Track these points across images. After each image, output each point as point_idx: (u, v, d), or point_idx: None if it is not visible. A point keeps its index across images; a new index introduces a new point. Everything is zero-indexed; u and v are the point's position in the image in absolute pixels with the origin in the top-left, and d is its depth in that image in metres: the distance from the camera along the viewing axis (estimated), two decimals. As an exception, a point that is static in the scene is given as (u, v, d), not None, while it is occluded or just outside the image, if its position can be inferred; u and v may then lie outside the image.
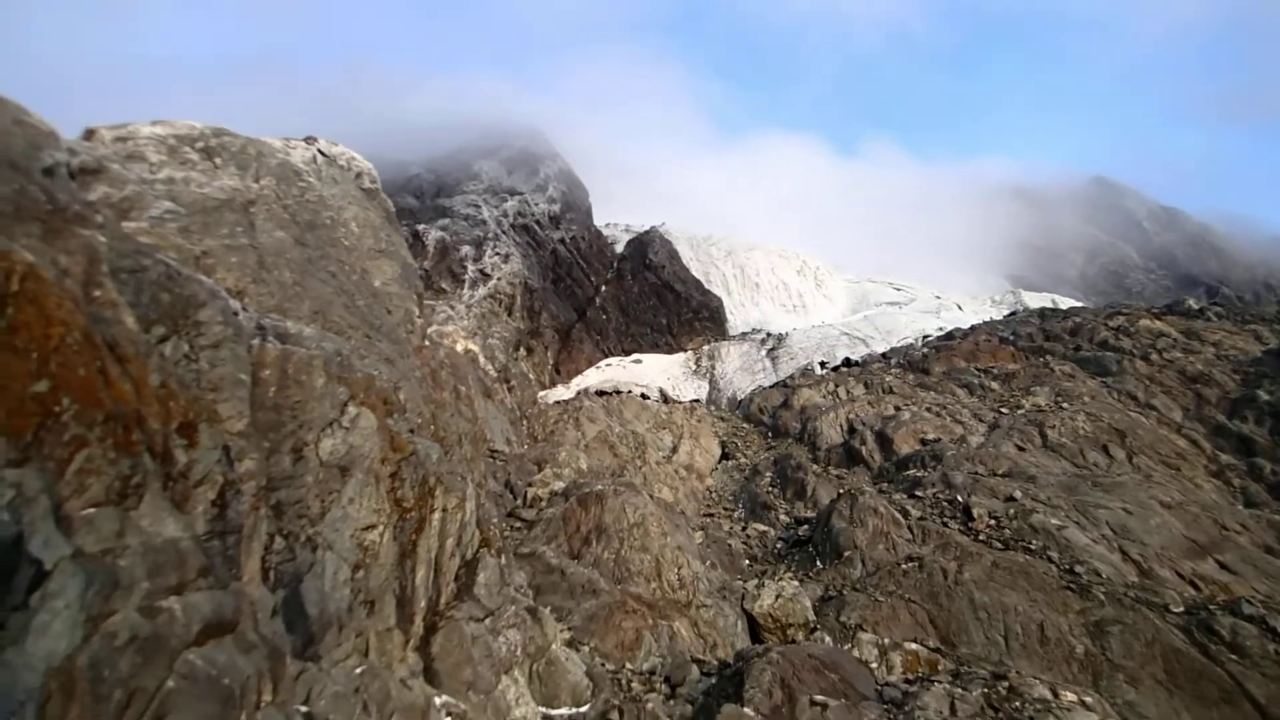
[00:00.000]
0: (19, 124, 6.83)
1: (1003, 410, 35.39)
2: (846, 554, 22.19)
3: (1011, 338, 46.34)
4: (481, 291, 57.38)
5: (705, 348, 66.45)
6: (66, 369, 5.48)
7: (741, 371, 59.35)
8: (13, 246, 5.48)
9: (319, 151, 15.29)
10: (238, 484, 7.25)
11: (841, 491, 26.82)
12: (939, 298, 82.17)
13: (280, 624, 7.51)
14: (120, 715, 5.04)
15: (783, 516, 29.35)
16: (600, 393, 48.79)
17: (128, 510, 5.74)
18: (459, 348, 37.18)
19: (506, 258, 62.18)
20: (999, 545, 21.62)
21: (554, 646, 12.66)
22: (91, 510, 5.43)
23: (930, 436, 33.42)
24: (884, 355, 53.43)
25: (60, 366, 5.44)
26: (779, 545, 25.66)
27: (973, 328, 54.57)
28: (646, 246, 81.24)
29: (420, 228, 60.62)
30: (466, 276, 58.56)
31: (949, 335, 53.85)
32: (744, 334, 72.97)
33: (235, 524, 7.06)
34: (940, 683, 14.38)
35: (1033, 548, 21.35)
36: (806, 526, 26.17)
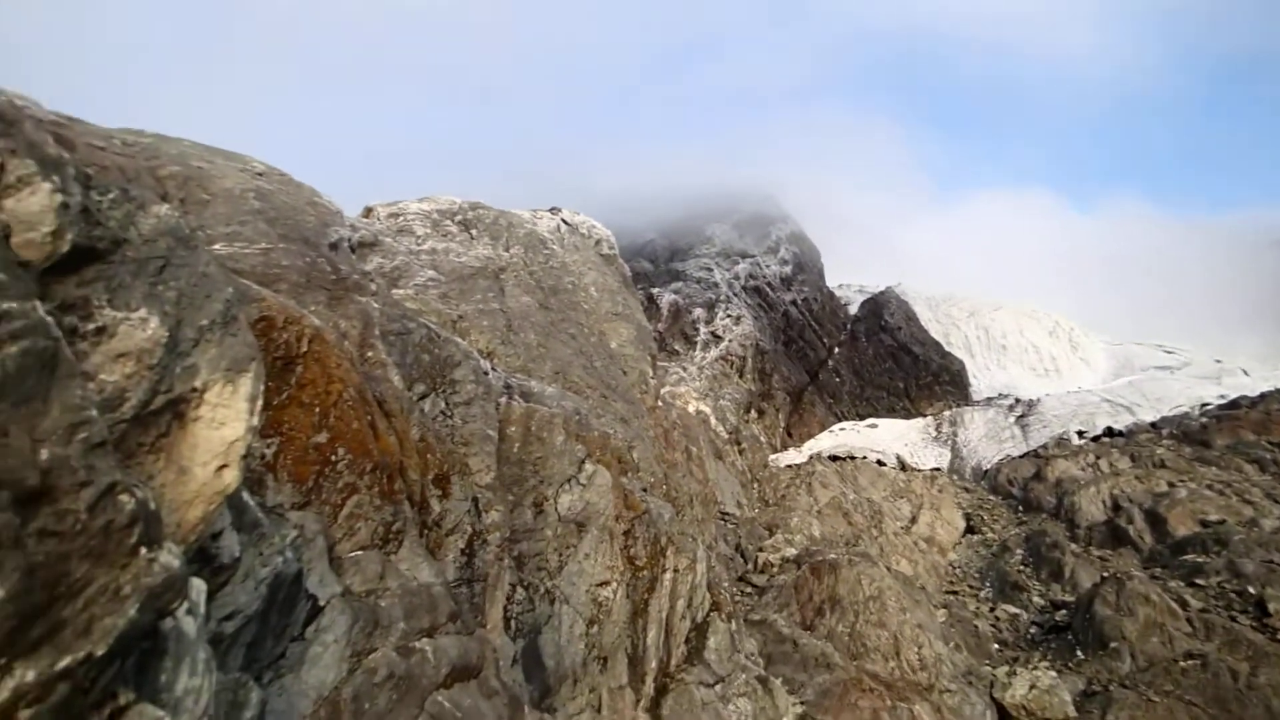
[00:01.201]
0: (312, 205, 7.78)
1: (1303, 490, 30.68)
2: (1113, 645, 19.90)
3: (1314, 406, 40.22)
4: (713, 353, 58.00)
5: (946, 413, 62.77)
6: (343, 422, 6.05)
7: (987, 439, 55.47)
8: (304, 312, 6.18)
9: (562, 220, 16.24)
10: (484, 534, 7.64)
11: (1106, 575, 24.30)
12: (1219, 361, 72.97)
13: (519, 673, 7.75)
14: (376, 749, 5.36)
15: (1036, 599, 26.93)
16: (833, 457, 47.40)
17: (389, 554, 6.19)
18: (691, 409, 37.68)
19: (738, 320, 62.59)
20: (1304, 646, 18.51)
21: (785, 720, 12.20)
22: (359, 553, 5.90)
23: (1212, 518, 29.59)
24: (1153, 425, 48.17)
25: (338, 420, 6.02)
26: (1032, 630, 23.59)
27: (1263, 395, 47.86)
28: (882, 307, 78.85)
29: (654, 291, 62.53)
30: (699, 338, 59.49)
31: (1233, 404, 47.68)
32: (989, 399, 68.44)
33: (481, 573, 7.43)
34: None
35: (1348, 651, 18.07)
36: (1064, 611, 23.95)
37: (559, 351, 12.21)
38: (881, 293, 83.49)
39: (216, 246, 6.71)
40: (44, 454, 2.53)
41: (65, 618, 2.51)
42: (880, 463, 48.42)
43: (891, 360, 73.02)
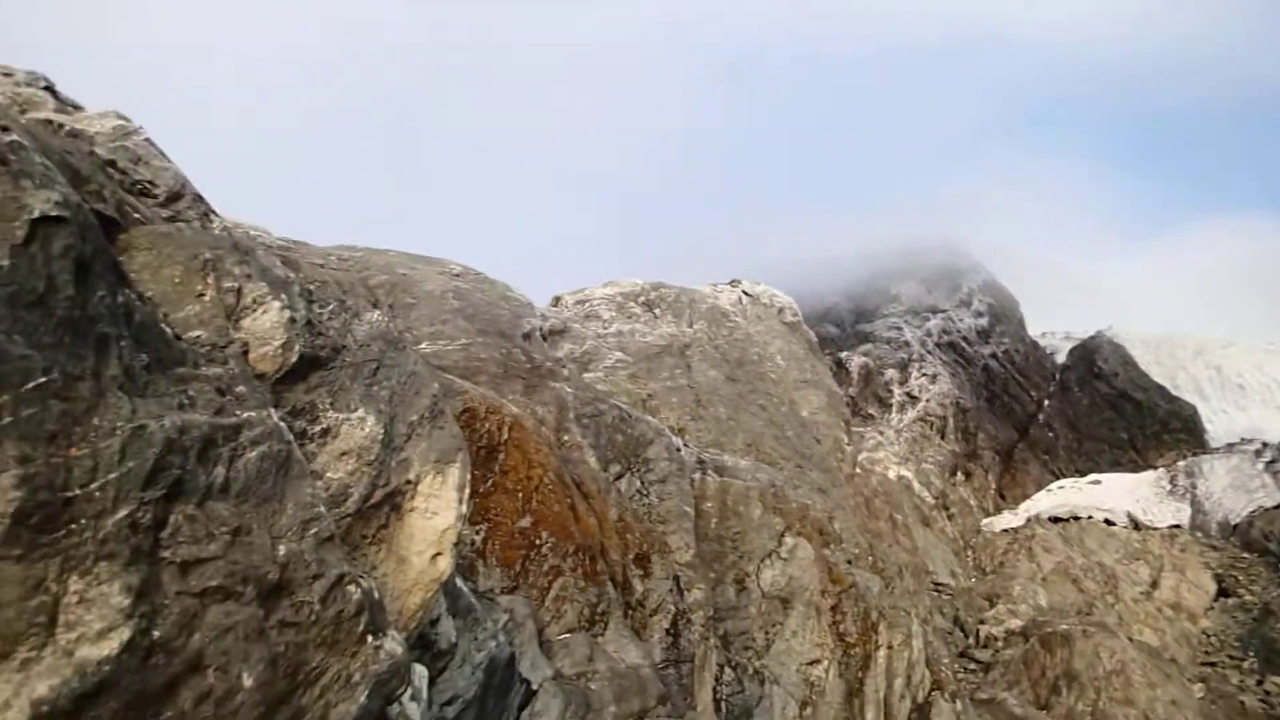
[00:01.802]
0: (505, 299, 8.23)
1: None
2: None
3: None
4: (910, 415, 55.57)
5: (1180, 464, 56.53)
6: (544, 506, 6.23)
7: (1233, 490, 49.43)
8: (503, 402, 6.48)
9: (743, 292, 16.29)
10: (688, 613, 7.56)
11: (1406, 640, 20.87)
12: None
13: (733, 759, 7.52)
14: (594, 837, 5.31)
15: (1316, 669, 23.46)
16: (1054, 519, 43.77)
17: (595, 636, 6.23)
18: (891, 474, 36.23)
19: (934, 378, 59.82)
20: None
21: (1028, 812, 11.09)
22: (566, 635, 5.98)
23: None
24: None
25: (539, 504, 6.20)
26: (1316, 706, 20.53)
27: None
28: (1093, 353, 73.10)
29: (843, 355, 60.92)
30: (893, 400, 57.23)
31: None
32: (1230, 445, 61.10)
33: (687, 653, 7.32)
34: None
35: None
36: (1356, 684, 20.66)
37: (749, 423, 12.11)
38: (1091, 338, 77.47)
39: (422, 345, 7.21)
40: (281, 550, 2.74)
41: (304, 705, 2.66)
42: (1109, 522, 44.24)
43: (1111, 409, 67.26)
